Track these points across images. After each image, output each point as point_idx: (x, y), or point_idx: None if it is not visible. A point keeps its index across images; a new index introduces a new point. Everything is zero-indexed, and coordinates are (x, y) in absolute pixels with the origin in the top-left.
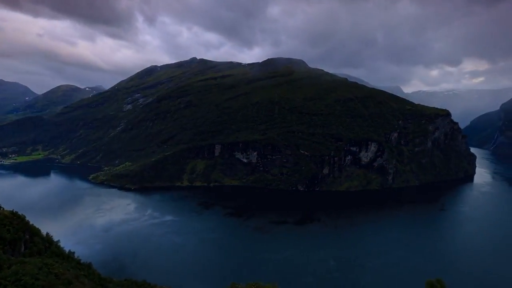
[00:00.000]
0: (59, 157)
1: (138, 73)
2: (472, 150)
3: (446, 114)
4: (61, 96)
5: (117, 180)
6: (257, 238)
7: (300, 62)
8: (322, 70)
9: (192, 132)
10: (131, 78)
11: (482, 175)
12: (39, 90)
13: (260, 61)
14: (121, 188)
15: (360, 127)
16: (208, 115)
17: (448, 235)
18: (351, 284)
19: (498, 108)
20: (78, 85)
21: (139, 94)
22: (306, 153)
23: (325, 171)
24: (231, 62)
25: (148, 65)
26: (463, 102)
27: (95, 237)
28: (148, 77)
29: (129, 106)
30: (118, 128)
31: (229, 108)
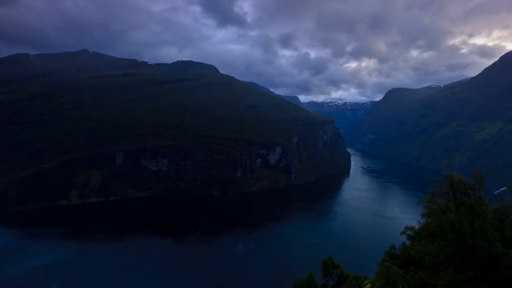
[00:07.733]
0: None
1: None
2: (348, 149)
3: (331, 121)
4: None
5: None
6: (168, 254)
7: (211, 68)
8: (233, 77)
9: (84, 138)
10: None
11: (356, 168)
12: None
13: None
14: None
15: (268, 131)
16: (106, 119)
17: (338, 217)
18: (268, 267)
19: (363, 116)
20: None
21: None
22: (219, 157)
23: (238, 174)
24: (134, 60)
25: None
26: (341, 111)
27: None
28: (15, 67)
29: None
30: None
31: (134, 111)
